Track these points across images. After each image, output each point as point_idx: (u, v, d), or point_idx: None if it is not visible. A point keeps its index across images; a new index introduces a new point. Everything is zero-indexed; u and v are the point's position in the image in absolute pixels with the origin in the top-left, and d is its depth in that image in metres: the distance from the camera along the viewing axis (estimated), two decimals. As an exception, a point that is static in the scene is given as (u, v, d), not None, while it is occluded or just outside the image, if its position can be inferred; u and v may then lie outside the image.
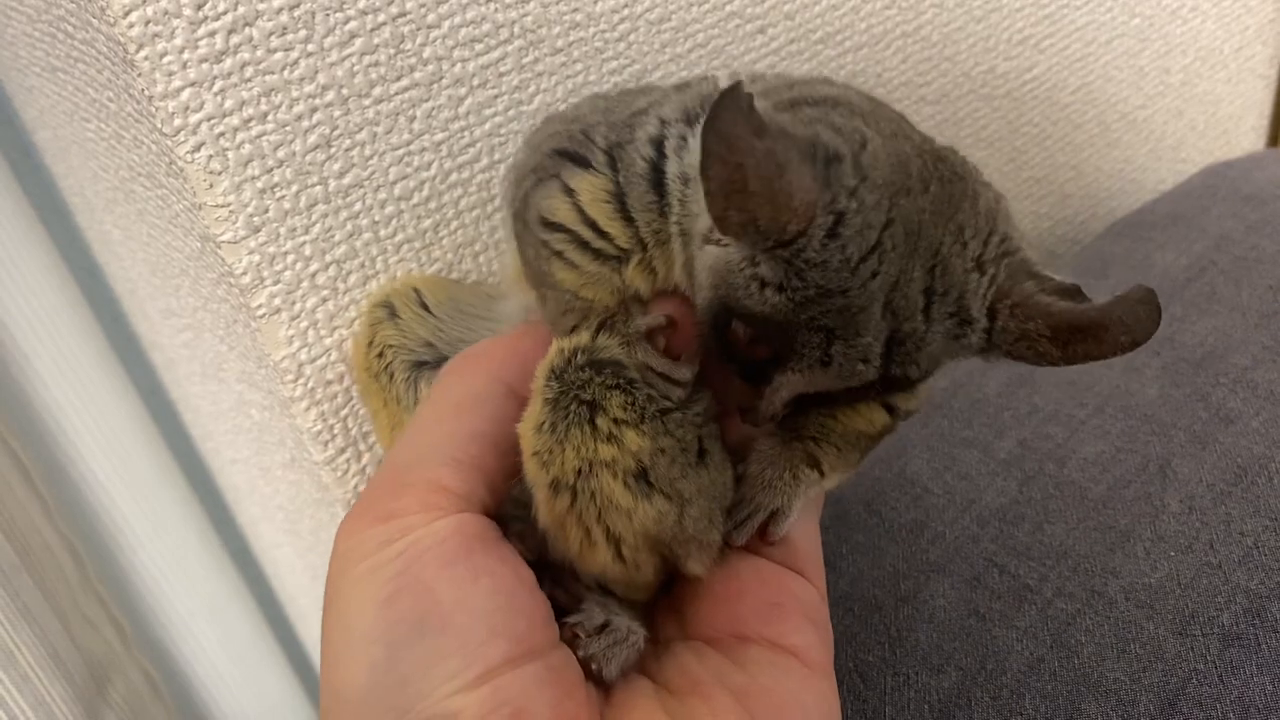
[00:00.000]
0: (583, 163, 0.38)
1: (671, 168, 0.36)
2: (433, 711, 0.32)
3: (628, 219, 0.37)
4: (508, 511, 0.39)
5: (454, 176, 0.52)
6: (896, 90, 0.68)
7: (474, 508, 0.36)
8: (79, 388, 0.82)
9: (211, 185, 0.46)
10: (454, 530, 0.35)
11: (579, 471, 0.36)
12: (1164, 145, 0.89)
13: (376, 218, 0.50)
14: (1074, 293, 0.33)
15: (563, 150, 0.39)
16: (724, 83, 0.39)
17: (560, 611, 0.38)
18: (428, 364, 0.48)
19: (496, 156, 0.53)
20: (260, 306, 0.49)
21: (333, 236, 0.49)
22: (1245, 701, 0.44)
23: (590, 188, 0.37)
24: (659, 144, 0.37)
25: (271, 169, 0.47)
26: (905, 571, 0.54)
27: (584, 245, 0.38)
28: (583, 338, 0.38)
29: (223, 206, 0.46)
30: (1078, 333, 0.31)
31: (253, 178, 0.46)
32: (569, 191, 0.38)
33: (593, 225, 0.37)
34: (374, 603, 0.34)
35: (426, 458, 0.37)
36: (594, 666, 0.36)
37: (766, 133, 0.30)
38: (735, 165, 0.29)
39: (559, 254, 0.38)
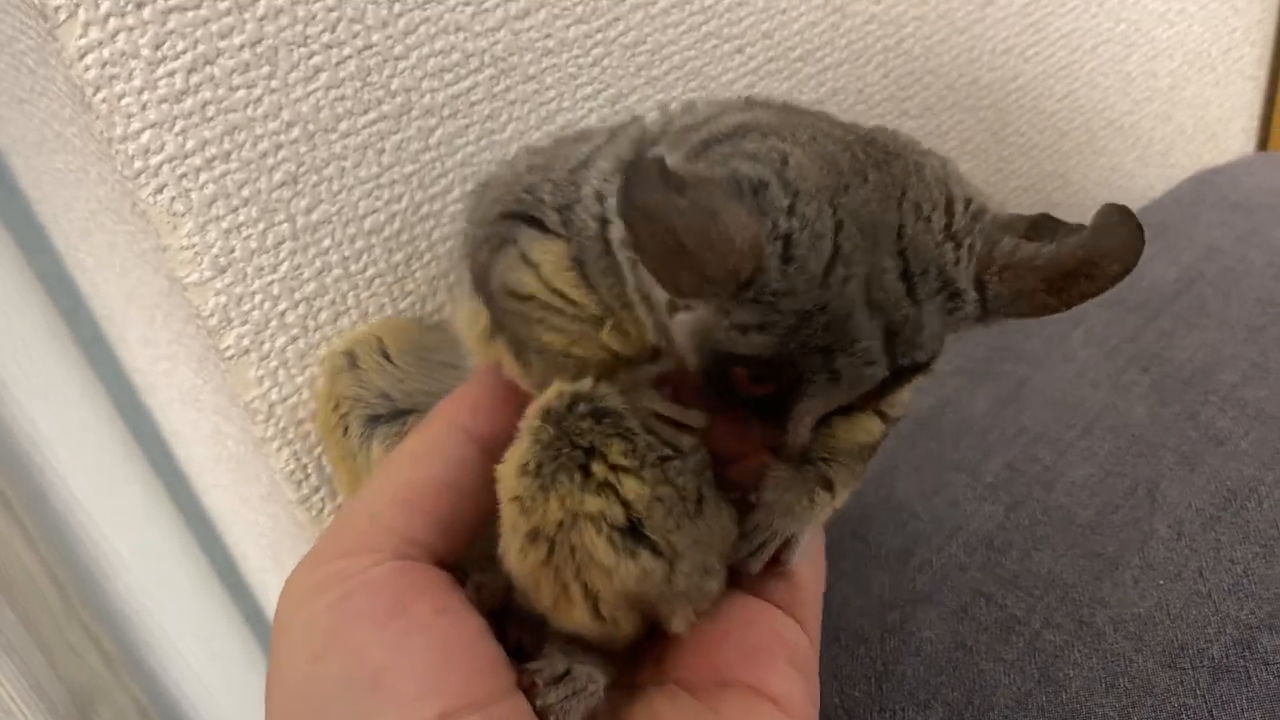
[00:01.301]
0: (537, 225, 0.37)
1: (614, 233, 0.35)
2: None
3: (590, 286, 0.36)
4: (468, 559, 0.38)
5: (425, 209, 0.51)
6: (879, 106, 0.67)
7: (422, 555, 0.36)
8: (59, 411, 0.81)
9: (175, 227, 0.45)
10: (390, 579, 0.34)
11: (560, 523, 0.35)
12: (1152, 151, 0.88)
13: (346, 253, 0.49)
14: (1049, 227, 0.32)
15: (512, 213, 0.38)
16: (651, 118, 0.38)
17: (525, 656, 0.37)
18: (382, 418, 0.47)
19: (469, 187, 0.52)
20: (229, 348, 0.48)
21: (301, 274, 0.48)
22: (1236, 737, 0.44)
23: (552, 258, 0.36)
24: (603, 201, 0.36)
25: (236, 208, 0.46)
26: (892, 601, 0.53)
27: (560, 311, 0.37)
28: (584, 384, 0.37)
29: (187, 248, 0.45)
30: (1070, 276, 0.30)
31: (217, 218, 0.45)
32: (530, 264, 0.37)
33: (561, 294, 0.36)
34: (304, 659, 0.33)
35: (373, 502, 0.36)
36: (550, 717, 0.35)
37: (686, 187, 0.29)
38: (664, 232, 0.28)
39: (540, 321, 0.37)
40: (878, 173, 0.32)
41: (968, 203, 0.32)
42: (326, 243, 0.49)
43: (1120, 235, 0.30)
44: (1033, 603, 0.51)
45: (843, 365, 0.31)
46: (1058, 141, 0.80)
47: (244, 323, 0.48)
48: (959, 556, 0.54)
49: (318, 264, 0.49)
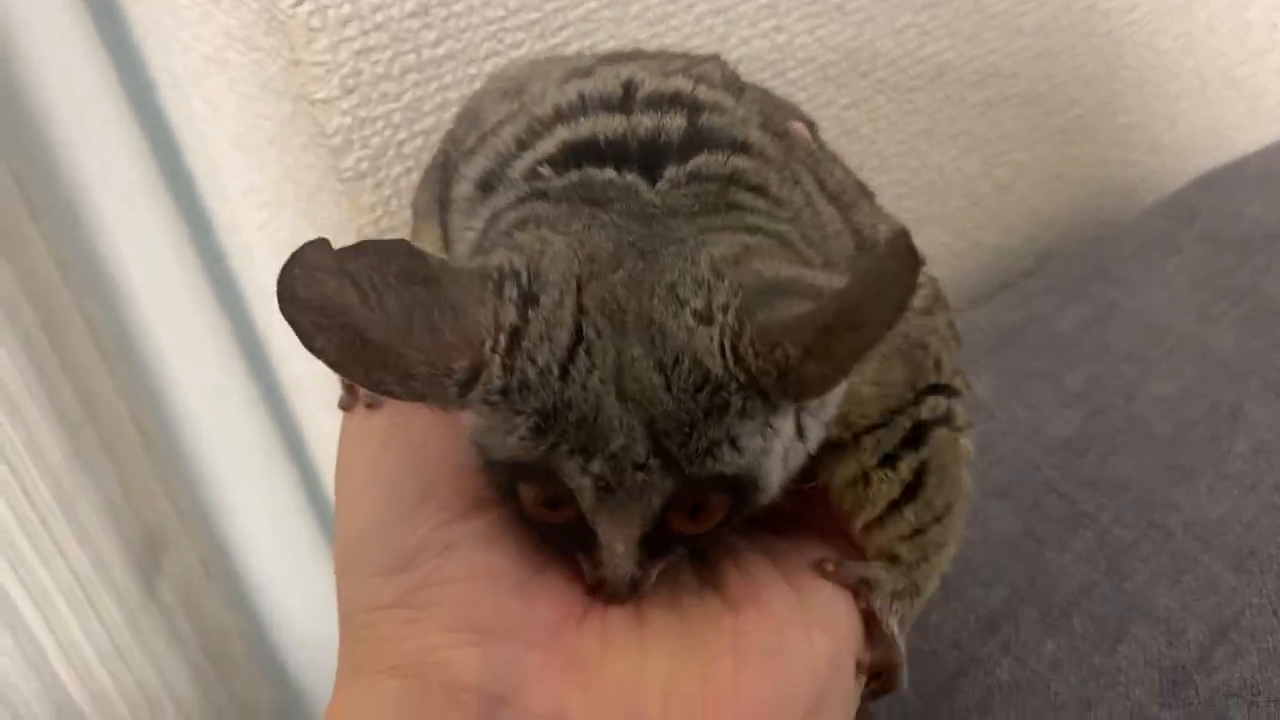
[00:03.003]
0: (439, 201, 0.37)
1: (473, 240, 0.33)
2: (429, 540, 0.32)
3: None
4: None
5: (543, 58, 0.52)
6: (995, 18, 0.67)
7: None
8: (151, 267, 0.83)
9: (310, 42, 0.46)
10: None
11: None
12: (1265, 104, 0.87)
13: (465, 91, 0.50)
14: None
15: (434, 168, 0.38)
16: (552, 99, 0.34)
17: None
18: None
19: (587, 42, 0.53)
20: (348, 169, 0.49)
21: (422, 106, 0.50)
22: (1299, 637, 0.44)
23: (428, 246, 0.36)
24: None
25: (368, 31, 0.47)
26: (963, 491, 0.54)
27: None
28: None
29: (319, 64, 0.46)
30: (830, 332, 0.26)
31: (350, 38, 0.47)
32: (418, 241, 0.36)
33: None
34: (371, 449, 0.34)
35: None
36: None
37: (406, 275, 0.27)
38: (340, 329, 0.26)
39: None
40: (637, 258, 0.29)
41: (742, 282, 0.28)
42: (448, 78, 0.50)
43: (882, 275, 0.25)
44: (1105, 501, 0.51)
45: (604, 469, 0.28)
46: (1168, 83, 0.79)
47: (364, 147, 0.49)
48: (1035, 456, 0.55)
49: (438, 98, 0.50)
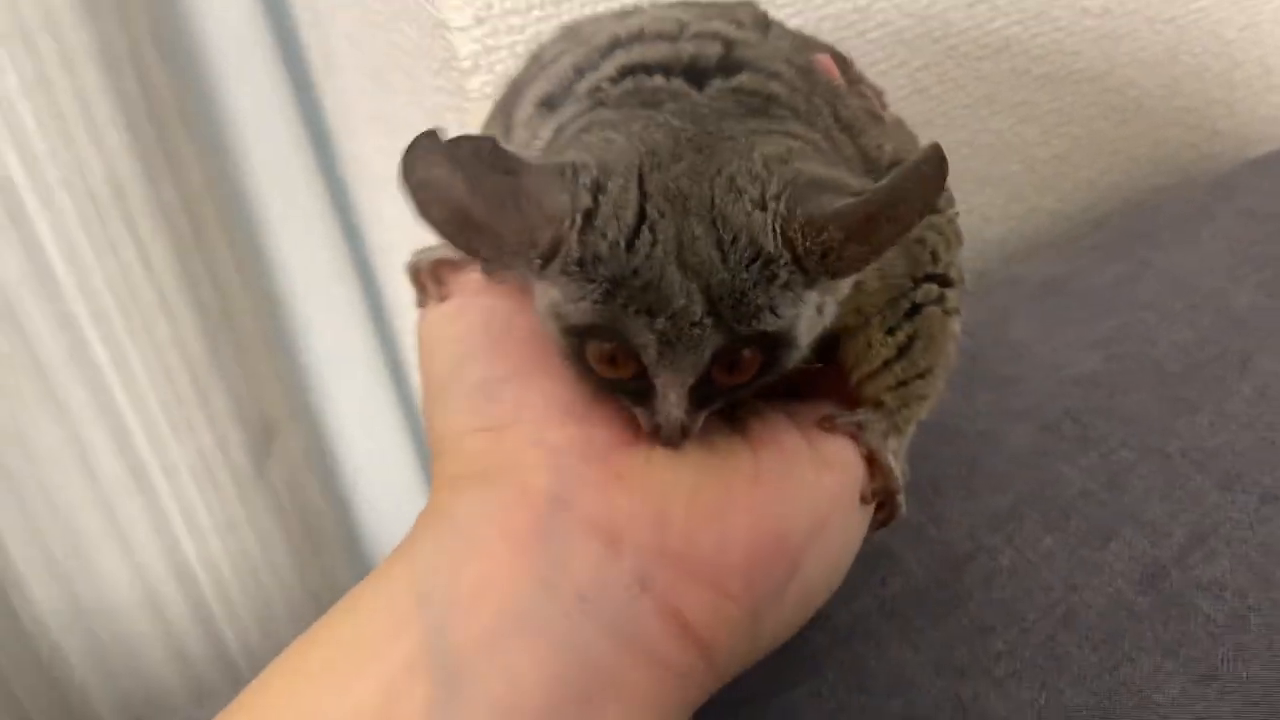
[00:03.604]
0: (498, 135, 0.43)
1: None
2: (505, 373, 0.39)
3: None
4: None
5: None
6: (1060, -2, 0.73)
7: None
8: (285, 191, 0.92)
9: (450, -24, 0.54)
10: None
11: None
12: (1328, 99, 0.91)
13: (579, 30, 0.58)
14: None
15: (500, 103, 0.45)
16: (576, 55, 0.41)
17: None
18: None
19: None
20: (474, 90, 0.58)
21: (542, 39, 0.57)
22: (1269, 547, 0.50)
23: None
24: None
25: (501, -30, 0.55)
26: (989, 413, 0.60)
27: None
28: None
29: (457, -5, 0.55)
30: (871, 221, 0.32)
31: (484, -26, 0.55)
32: None
33: None
34: (445, 323, 0.41)
35: None
36: None
37: (477, 162, 0.32)
38: (443, 202, 0.32)
39: None
40: (695, 154, 0.34)
41: (795, 175, 0.34)
42: (566, 16, 0.58)
43: (922, 171, 0.31)
44: (1113, 428, 0.58)
45: (666, 327, 0.33)
46: (1230, 70, 0.84)
47: (489, 72, 0.57)
48: (1056, 388, 0.61)
49: (554, 34, 0.58)
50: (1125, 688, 0.46)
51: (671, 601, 0.37)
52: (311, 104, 0.92)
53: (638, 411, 0.37)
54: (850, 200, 0.32)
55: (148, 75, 0.78)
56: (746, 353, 0.35)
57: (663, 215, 0.33)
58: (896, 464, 0.42)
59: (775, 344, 0.35)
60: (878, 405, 0.42)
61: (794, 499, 0.39)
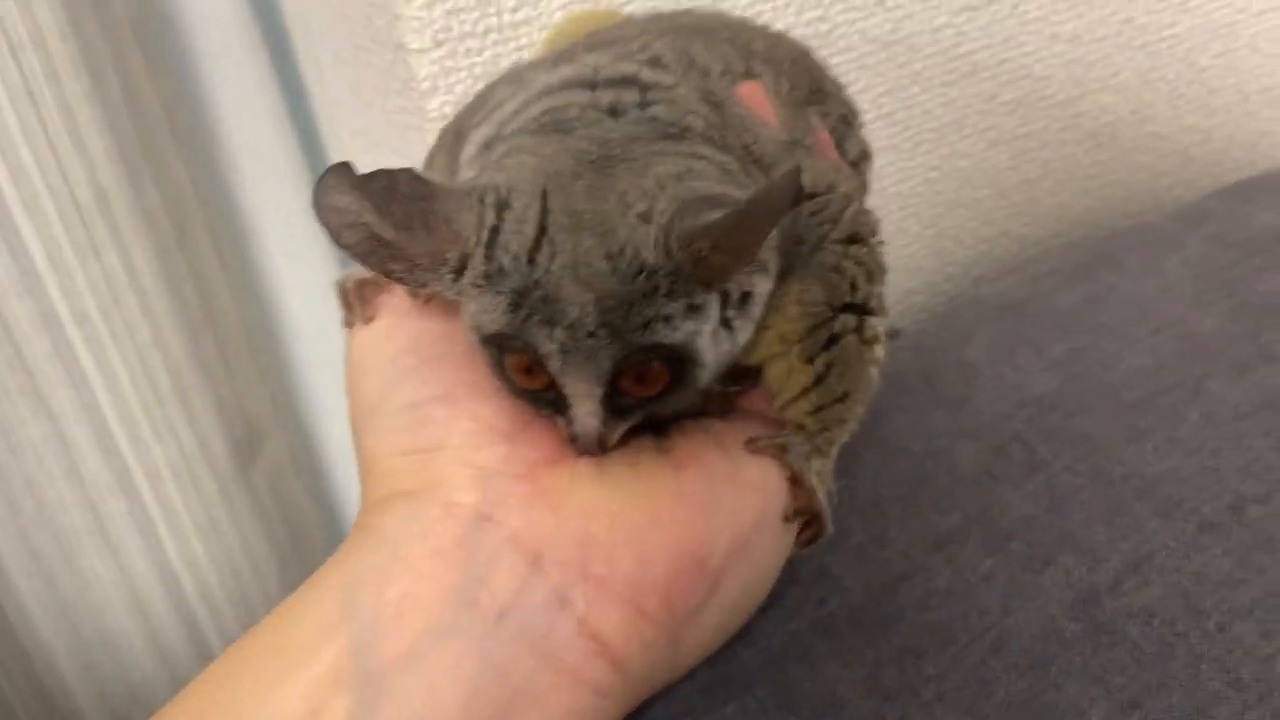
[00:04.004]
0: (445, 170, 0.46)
1: None
2: (433, 395, 0.40)
3: None
4: None
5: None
6: (1030, 23, 0.73)
7: None
8: (273, 191, 0.94)
9: (409, 0, 0.56)
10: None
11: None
12: (1308, 126, 0.91)
13: (535, 53, 0.59)
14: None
15: (447, 133, 0.47)
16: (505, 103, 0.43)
17: None
18: None
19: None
20: (433, 111, 0.59)
21: (500, 63, 0.59)
22: (1202, 576, 0.51)
23: None
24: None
25: (460, -7, 0.56)
26: (941, 432, 0.61)
27: None
28: None
29: (416, 18, 0.56)
30: (733, 233, 0.34)
31: (442, -1, 0.56)
32: None
33: None
34: (374, 344, 0.42)
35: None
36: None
37: (384, 188, 0.35)
38: (354, 227, 0.35)
39: None
40: (597, 174, 0.36)
41: (684, 194, 0.36)
42: (524, 40, 0.59)
43: (769, 196, 0.33)
44: (1061, 451, 0.58)
45: (564, 337, 0.35)
46: (1206, 97, 0.84)
47: (448, 93, 0.58)
48: (1009, 409, 0.61)
49: (513, 56, 0.59)
50: (1050, 714, 0.47)
51: (590, 620, 0.38)
52: (305, 113, 0.94)
53: (558, 422, 0.39)
54: (717, 215, 0.34)
55: (132, 82, 0.79)
56: (654, 365, 0.37)
57: (562, 231, 0.35)
58: (820, 485, 0.43)
59: (679, 357, 0.37)
60: (800, 428, 0.43)
61: (715, 519, 0.41)
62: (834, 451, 0.45)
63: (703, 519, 0.40)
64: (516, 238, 0.36)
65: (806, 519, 0.44)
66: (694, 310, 0.36)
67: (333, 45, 0.76)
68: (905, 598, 0.53)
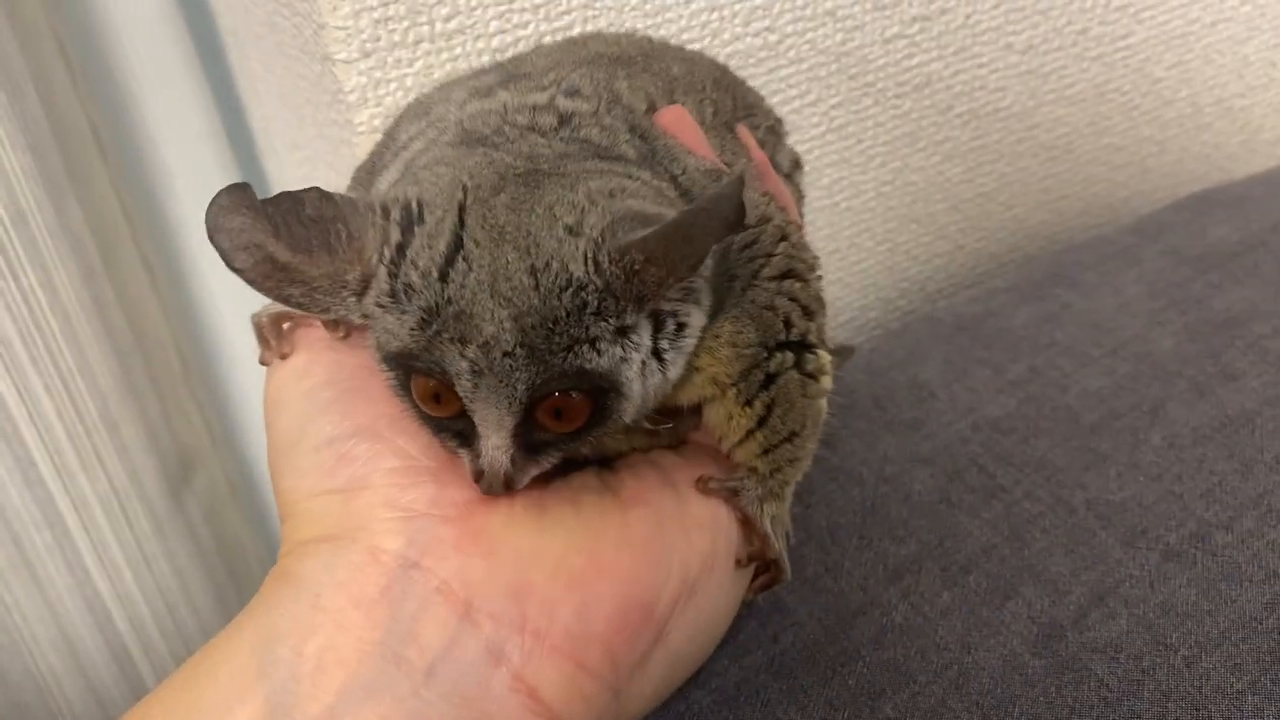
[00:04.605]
0: None
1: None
2: (353, 431, 0.37)
3: None
4: None
5: (547, 40, 0.58)
6: (984, 35, 0.72)
7: None
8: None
9: (335, 8, 0.53)
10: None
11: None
12: (1260, 139, 0.90)
13: (472, 64, 0.57)
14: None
15: (363, 170, 0.44)
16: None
17: None
18: None
19: (589, 27, 0.59)
20: (362, 124, 0.56)
21: (432, 74, 0.56)
22: (1168, 607, 0.49)
23: None
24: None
25: (388, 2, 0.53)
26: (894, 458, 0.59)
27: None
28: None
29: (341, 29, 0.53)
30: (669, 246, 0.31)
31: (370, 8, 0.53)
32: None
33: None
34: (292, 380, 0.39)
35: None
36: None
37: (321, 210, 0.32)
38: (249, 250, 0.32)
39: None
40: (522, 188, 0.34)
41: (614, 210, 0.33)
42: (458, 50, 0.56)
43: (710, 208, 0.30)
44: (1020, 477, 0.56)
45: (476, 356, 0.32)
46: (1160, 109, 0.83)
47: (378, 105, 0.56)
48: (965, 433, 0.59)
49: (447, 67, 0.56)
50: (1013, 756, 0.44)
51: (526, 676, 0.35)
52: (241, 126, 0.91)
53: (463, 455, 0.36)
54: (652, 229, 0.32)
55: (53, 95, 0.76)
56: (575, 395, 0.34)
57: (479, 245, 0.33)
58: (776, 529, 0.41)
59: (602, 388, 0.34)
60: (753, 471, 0.41)
61: (662, 563, 0.38)
62: (788, 493, 0.42)
63: (649, 564, 0.37)
64: (426, 253, 0.33)
65: (763, 564, 0.41)
66: (623, 333, 0.33)
67: (263, 55, 0.73)
68: (861, 634, 0.50)
